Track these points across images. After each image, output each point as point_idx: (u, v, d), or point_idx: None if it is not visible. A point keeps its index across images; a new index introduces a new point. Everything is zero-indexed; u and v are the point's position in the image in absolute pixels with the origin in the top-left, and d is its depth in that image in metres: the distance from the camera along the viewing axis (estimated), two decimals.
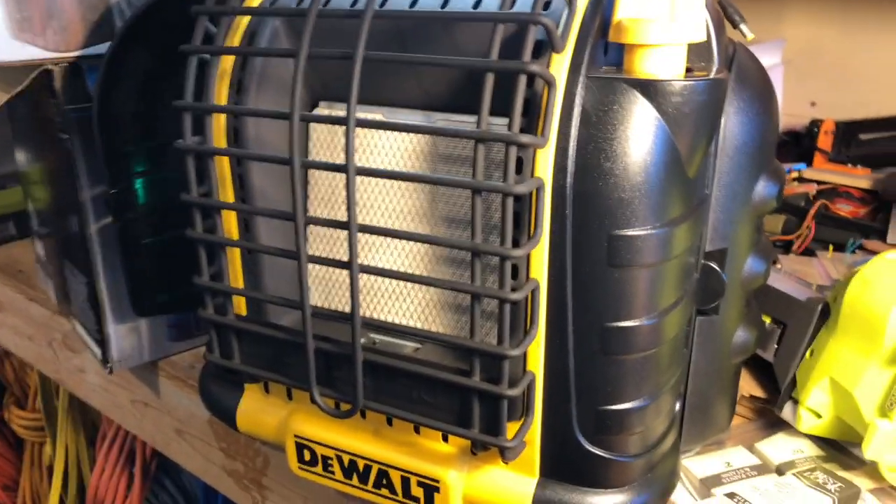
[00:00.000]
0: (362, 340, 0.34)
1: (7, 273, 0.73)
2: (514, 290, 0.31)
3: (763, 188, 0.38)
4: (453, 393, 0.34)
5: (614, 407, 0.34)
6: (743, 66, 0.37)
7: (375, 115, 0.39)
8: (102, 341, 0.53)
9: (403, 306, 0.39)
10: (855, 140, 0.78)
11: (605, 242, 0.31)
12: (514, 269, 0.32)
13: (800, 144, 0.81)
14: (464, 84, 0.36)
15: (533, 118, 0.30)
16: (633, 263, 0.32)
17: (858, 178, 0.72)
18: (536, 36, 0.30)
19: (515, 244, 0.31)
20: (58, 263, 0.59)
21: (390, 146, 0.38)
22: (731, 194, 0.37)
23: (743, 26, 0.42)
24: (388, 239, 0.39)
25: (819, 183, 0.72)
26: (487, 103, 0.29)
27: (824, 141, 0.76)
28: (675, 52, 0.31)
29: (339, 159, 0.39)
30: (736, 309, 0.40)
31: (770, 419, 0.47)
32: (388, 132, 0.38)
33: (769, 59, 0.78)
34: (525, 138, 0.29)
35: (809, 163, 0.77)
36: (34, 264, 0.69)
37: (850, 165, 0.76)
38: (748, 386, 0.49)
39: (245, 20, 0.39)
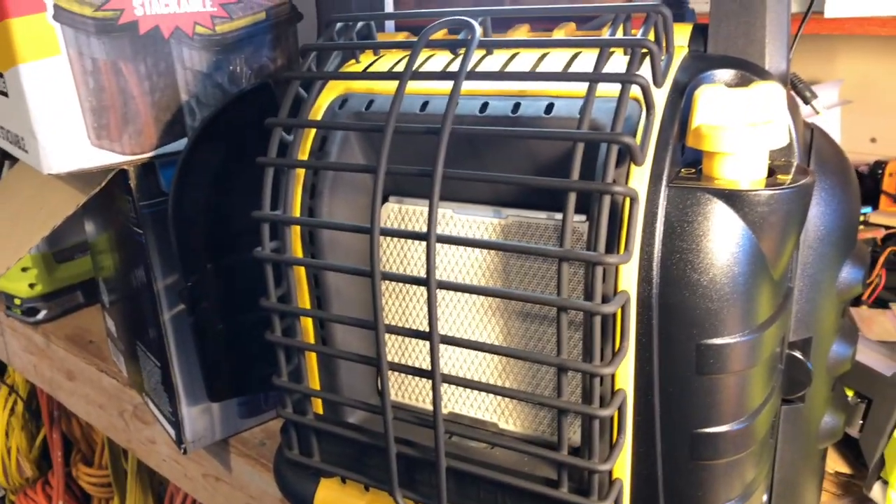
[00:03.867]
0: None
1: (78, 343, 0.75)
2: (602, 404, 0.31)
3: (847, 274, 0.37)
4: (539, 501, 0.33)
5: None
6: (821, 152, 0.36)
7: (445, 210, 0.39)
8: (177, 423, 0.54)
9: (482, 407, 0.39)
10: None
11: (693, 352, 0.31)
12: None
13: (863, 185, 0.78)
14: (529, 173, 0.36)
15: (615, 231, 0.30)
16: (723, 371, 0.31)
17: None
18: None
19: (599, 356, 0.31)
20: (129, 342, 0.61)
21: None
22: (815, 284, 0.36)
23: (815, 103, 0.41)
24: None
25: (887, 227, 0.70)
26: (570, 223, 0.29)
27: (890, 183, 0.74)
28: (757, 158, 0.30)
29: (412, 261, 0.40)
30: (822, 395, 0.39)
31: (857, 496, 0.45)
32: (462, 224, 0.38)
33: (827, 99, 0.77)
34: (611, 258, 0.29)
35: (875, 206, 0.74)
36: (105, 337, 0.71)
37: None
38: (833, 461, 0.48)
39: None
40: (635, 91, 0.31)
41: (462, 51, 0.36)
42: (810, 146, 0.36)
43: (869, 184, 0.78)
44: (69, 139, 0.43)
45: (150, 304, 0.51)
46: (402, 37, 0.43)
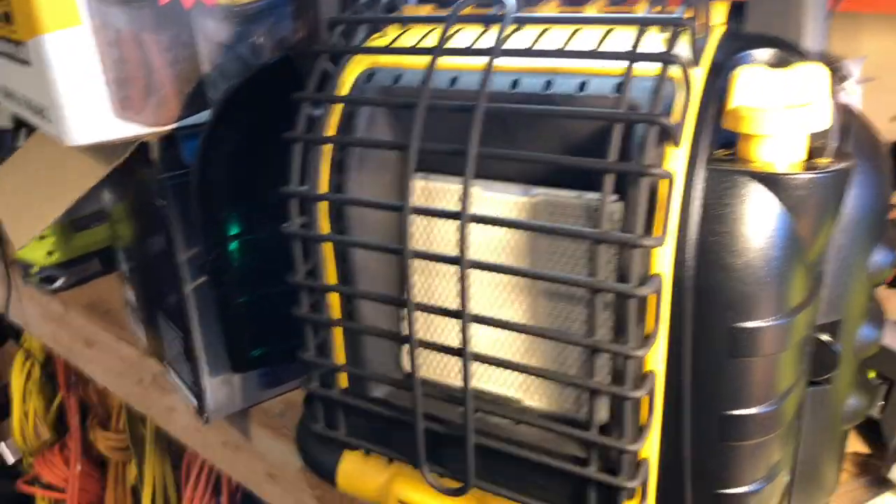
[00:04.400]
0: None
1: (96, 312, 0.75)
2: (634, 386, 0.31)
3: (879, 257, 0.37)
4: (568, 479, 0.34)
5: (731, 491, 0.34)
6: (859, 136, 0.36)
7: (472, 187, 0.39)
8: (199, 393, 0.55)
9: (505, 384, 0.39)
10: None
11: (726, 334, 0.31)
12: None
13: None
14: (561, 153, 0.35)
15: (651, 213, 0.30)
16: (755, 354, 0.31)
17: None
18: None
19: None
20: (149, 311, 0.61)
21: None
22: (847, 267, 0.36)
23: (849, 82, 0.41)
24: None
25: None
26: (609, 205, 0.29)
27: None
28: (795, 141, 0.30)
29: (439, 238, 0.39)
30: (848, 377, 0.39)
31: (876, 476, 0.46)
32: (489, 202, 0.38)
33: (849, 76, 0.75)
34: (648, 241, 0.29)
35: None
36: (124, 307, 0.71)
37: None
38: (852, 441, 0.48)
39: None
40: (673, 70, 0.30)
41: (495, 26, 0.36)
42: (848, 128, 0.35)
43: (890, 164, 0.77)
44: (92, 111, 0.42)
45: (172, 275, 0.51)
46: (429, 9, 0.42)
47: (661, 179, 0.30)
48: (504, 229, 0.37)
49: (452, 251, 0.38)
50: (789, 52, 0.33)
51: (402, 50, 0.36)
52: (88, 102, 0.42)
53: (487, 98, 0.32)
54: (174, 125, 0.46)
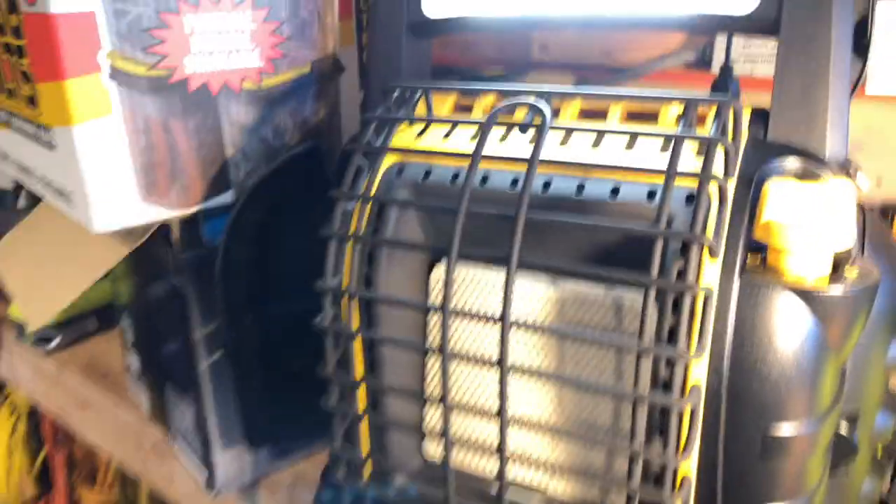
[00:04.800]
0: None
1: (93, 374, 0.74)
2: (673, 491, 0.31)
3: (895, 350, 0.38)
4: None
5: None
6: (872, 235, 0.37)
7: (497, 273, 0.40)
8: (209, 466, 0.54)
9: (532, 478, 0.40)
10: None
11: (759, 438, 0.32)
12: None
13: None
14: (591, 255, 0.36)
15: (689, 324, 0.31)
16: (788, 455, 0.32)
17: None
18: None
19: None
20: (156, 382, 0.61)
21: (519, 307, 0.39)
22: (867, 361, 0.37)
23: (861, 176, 0.42)
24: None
25: None
26: (653, 319, 0.30)
27: None
28: (824, 257, 0.31)
29: (467, 331, 0.40)
30: (865, 464, 0.40)
31: None
32: (516, 292, 0.39)
33: None
34: (691, 355, 0.29)
35: None
36: (124, 370, 0.70)
37: None
38: None
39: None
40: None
41: (533, 134, 0.37)
42: (864, 228, 0.37)
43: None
44: (119, 197, 0.43)
45: (186, 350, 0.51)
46: (453, 99, 0.43)
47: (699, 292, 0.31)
48: (536, 304, 0.38)
49: (482, 346, 0.39)
50: (813, 160, 0.34)
51: (443, 153, 0.36)
52: (115, 189, 0.42)
53: (531, 217, 0.32)
54: (198, 207, 0.46)
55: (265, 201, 0.46)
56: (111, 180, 0.42)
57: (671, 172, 0.31)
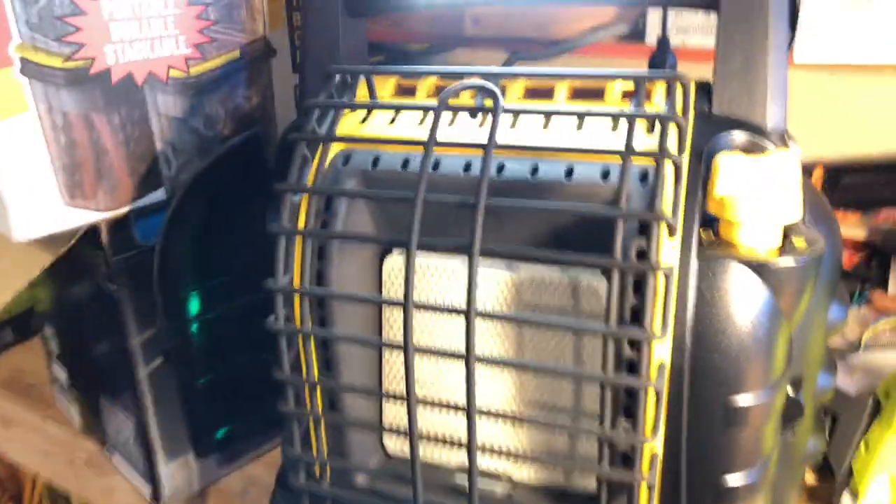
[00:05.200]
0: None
1: (15, 388, 0.69)
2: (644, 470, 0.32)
3: (835, 313, 0.40)
4: None
5: None
6: (811, 202, 0.39)
7: (453, 262, 0.39)
8: (153, 479, 0.52)
9: (495, 463, 0.39)
10: (839, 184, 0.82)
11: (720, 410, 0.33)
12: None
13: None
14: (548, 237, 0.36)
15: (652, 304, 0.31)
16: (748, 423, 0.33)
17: (852, 227, 0.75)
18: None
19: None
20: (88, 393, 0.57)
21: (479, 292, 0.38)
22: (810, 325, 0.39)
23: (792, 144, 0.44)
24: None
25: None
26: (616, 303, 0.30)
27: None
28: (776, 227, 0.32)
29: (425, 323, 0.39)
30: (808, 424, 0.42)
31: None
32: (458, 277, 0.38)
33: None
34: (657, 335, 0.30)
35: None
36: (49, 386, 0.66)
37: (837, 210, 0.79)
38: None
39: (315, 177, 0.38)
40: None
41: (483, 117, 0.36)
42: (804, 197, 0.38)
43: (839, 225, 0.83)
44: (41, 201, 0.39)
45: (122, 359, 0.48)
46: (393, 82, 0.42)
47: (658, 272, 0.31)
48: (494, 288, 0.37)
49: (441, 337, 0.39)
50: (757, 133, 0.35)
51: (395, 141, 0.35)
52: (36, 194, 0.39)
53: (472, 182, 0.32)
54: (128, 207, 0.43)
55: (202, 196, 0.43)
56: (30, 183, 0.39)
57: (628, 152, 0.30)
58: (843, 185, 0.82)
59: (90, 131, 0.40)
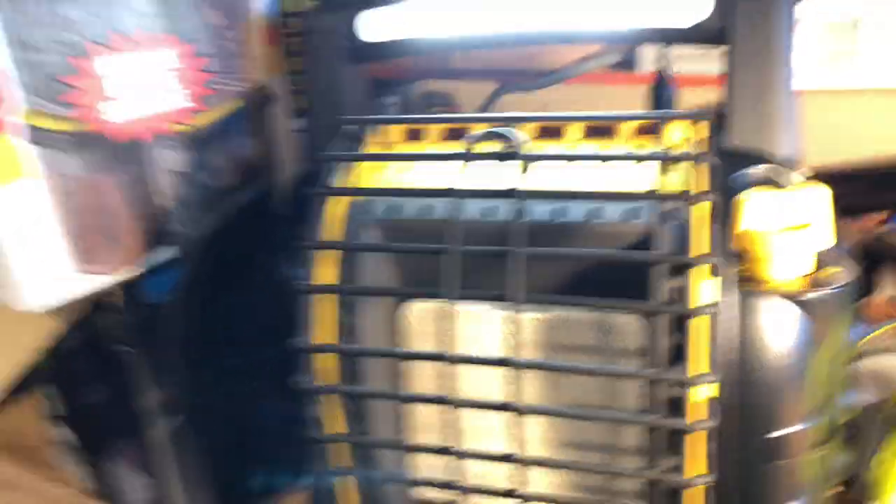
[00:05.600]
0: None
1: (13, 450, 0.67)
2: None
3: (855, 334, 0.40)
4: None
5: None
6: None
7: (481, 306, 0.38)
8: None
9: None
10: None
11: (763, 444, 0.33)
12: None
13: None
14: (578, 276, 0.36)
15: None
16: (790, 456, 0.33)
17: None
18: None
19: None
20: (94, 456, 0.56)
21: (496, 336, 0.38)
22: (838, 348, 0.39)
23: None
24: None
25: None
26: (665, 348, 0.30)
27: None
28: (805, 258, 0.32)
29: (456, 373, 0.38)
30: (836, 442, 0.42)
31: None
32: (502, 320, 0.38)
33: None
34: (705, 379, 0.30)
35: None
36: (49, 447, 0.63)
37: None
38: None
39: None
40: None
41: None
42: None
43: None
44: (48, 270, 0.38)
45: (132, 421, 0.47)
46: (403, 130, 0.42)
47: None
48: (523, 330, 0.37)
49: (474, 385, 0.38)
50: (774, 164, 0.35)
51: (423, 192, 0.35)
52: (43, 261, 0.38)
53: (498, 228, 0.32)
54: (139, 269, 0.42)
55: (213, 251, 0.42)
56: (38, 252, 0.37)
57: (659, 196, 0.31)
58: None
59: (97, 193, 0.39)
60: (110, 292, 0.43)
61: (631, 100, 0.57)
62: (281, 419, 0.39)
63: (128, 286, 0.43)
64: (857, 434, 0.50)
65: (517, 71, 0.65)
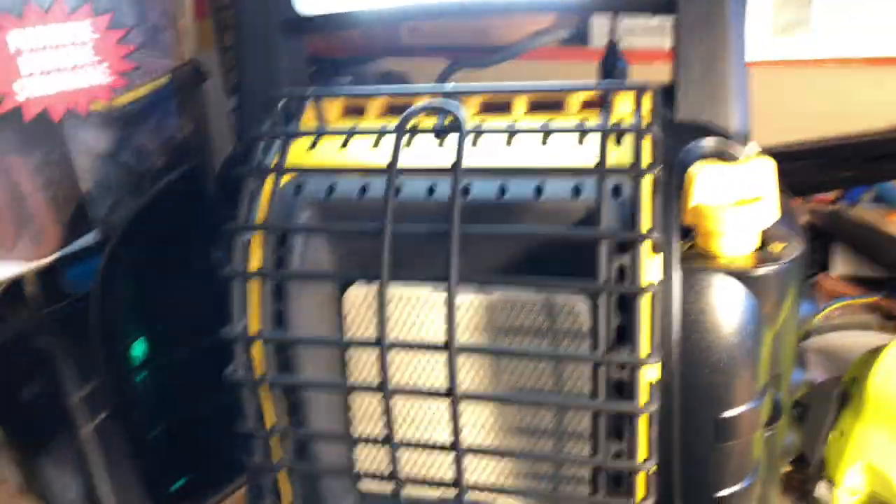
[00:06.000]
0: None
1: None
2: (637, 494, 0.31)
3: (805, 311, 0.40)
4: None
5: None
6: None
7: (424, 289, 0.37)
8: None
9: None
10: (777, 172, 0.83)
11: (712, 424, 0.32)
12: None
13: None
14: (522, 257, 0.35)
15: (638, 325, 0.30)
16: (740, 435, 0.32)
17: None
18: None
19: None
20: (27, 453, 0.52)
21: (439, 320, 0.36)
22: (785, 325, 0.38)
23: (751, 144, 0.44)
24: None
25: None
26: (605, 328, 0.28)
27: None
28: (753, 233, 0.31)
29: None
30: (786, 420, 0.42)
31: (800, 492, 0.50)
32: (435, 305, 0.36)
33: None
34: (649, 361, 0.28)
35: None
36: None
37: None
38: None
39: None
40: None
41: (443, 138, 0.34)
42: None
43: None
44: None
45: (61, 417, 0.44)
46: (340, 104, 0.39)
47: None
48: (466, 312, 0.35)
49: (416, 372, 0.37)
50: (723, 137, 0.34)
51: (356, 168, 0.33)
52: None
53: (439, 207, 0.30)
54: (54, 256, 0.39)
55: (139, 237, 0.40)
56: None
57: (603, 170, 0.29)
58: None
59: (6, 175, 0.36)
60: (24, 281, 0.40)
61: (585, 75, 0.55)
62: (215, 411, 0.37)
63: (44, 276, 0.40)
64: (807, 412, 0.50)
65: (467, 48, 0.63)
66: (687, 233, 0.32)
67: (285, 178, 0.36)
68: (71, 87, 0.38)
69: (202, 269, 0.35)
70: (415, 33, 0.63)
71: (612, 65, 0.46)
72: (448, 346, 0.29)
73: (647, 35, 0.51)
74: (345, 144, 0.37)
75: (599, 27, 0.53)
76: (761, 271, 0.30)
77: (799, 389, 0.42)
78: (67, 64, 0.38)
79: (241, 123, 0.41)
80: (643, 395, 0.30)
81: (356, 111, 0.39)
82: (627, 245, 0.30)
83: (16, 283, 0.40)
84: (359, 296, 0.38)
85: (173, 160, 0.44)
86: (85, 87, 0.39)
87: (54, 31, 0.37)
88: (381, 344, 0.29)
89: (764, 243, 0.32)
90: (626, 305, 0.29)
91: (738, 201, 0.31)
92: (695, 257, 0.31)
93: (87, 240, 0.40)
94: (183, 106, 0.44)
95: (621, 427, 0.31)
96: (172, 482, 0.47)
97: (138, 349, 0.42)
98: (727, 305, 0.30)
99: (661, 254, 0.30)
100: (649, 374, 0.30)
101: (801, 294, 0.39)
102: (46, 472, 0.51)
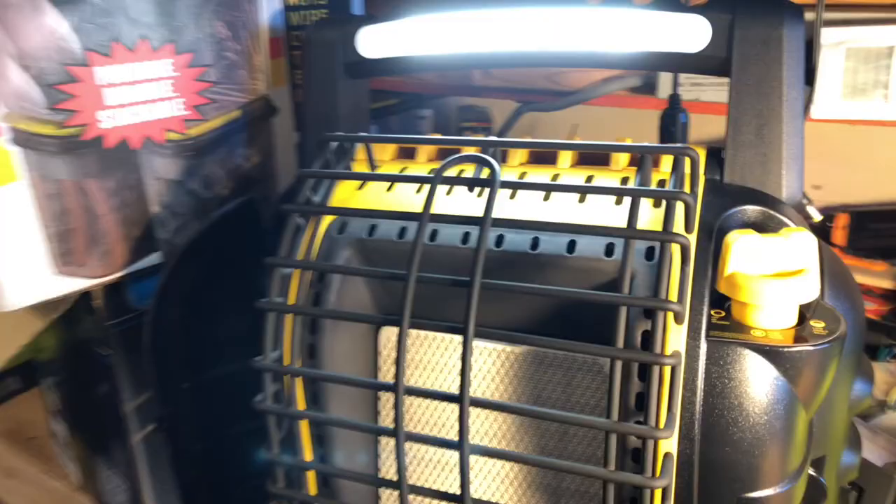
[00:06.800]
0: None
1: (16, 439, 0.68)
2: None
3: (858, 390, 0.37)
4: None
5: None
6: (833, 272, 0.36)
7: (453, 337, 0.37)
8: None
9: None
10: (866, 230, 0.79)
11: None
12: None
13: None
14: (549, 312, 0.34)
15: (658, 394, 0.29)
16: None
17: (878, 275, 0.73)
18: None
19: None
20: (86, 454, 0.56)
21: (477, 366, 0.37)
22: (831, 405, 0.36)
23: (810, 209, 0.42)
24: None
25: None
26: (617, 395, 0.28)
27: (839, 237, 0.77)
28: (790, 309, 0.30)
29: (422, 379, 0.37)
30: (832, 502, 0.39)
31: None
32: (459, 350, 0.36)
33: None
34: (662, 433, 0.28)
35: None
36: (50, 439, 0.65)
37: (864, 259, 0.76)
38: None
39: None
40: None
41: (481, 190, 0.35)
42: (822, 269, 0.36)
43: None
44: (31, 270, 0.38)
45: (116, 424, 0.47)
46: (393, 147, 0.41)
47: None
48: (495, 361, 0.36)
49: (441, 419, 0.37)
50: (772, 206, 0.33)
51: (389, 213, 0.34)
52: (27, 262, 0.38)
53: (486, 282, 0.30)
54: (121, 273, 0.42)
55: (197, 260, 0.42)
56: (21, 253, 0.38)
57: (631, 233, 0.29)
58: (870, 230, 0.80)
59: (83, 197, 0.39)
60: (93, 296, 0.43)
61: (651, 123, 0.55)
62: (249, 435, 0.38)
63: (112, 291, 0.43)
64: (864, 496, 0.46)
65: (537, 91, 0.64)
66: (723, 301, 0.31)
67: (332, 216, 0.37)
68: (150, 119, 0.41)
69: (251, 297, 0.37)
70: (486, 75, 0.64)
71: (673, 117, 0.45)
72: (460, 399, 0.29)
73: (714, 88, 0.50)
74: (390, 188, 0.38)
75: (667, 77, 0.52)
76: (792, 349, 0.29)
77: (851, 472, 0.39)
78: (148, 97, 0.41)
79: (302, 160, 0.43)
80: (657, 467, 0.29)
81: (409, 154, 0.41)
82: (652, 311, 0.29)
83: (85, 296, 0.43)
84: (394, 333, 0.39)
85: (238, 189, 0.46)
86: (163, 118, 0.42)
87: (138, 68, 0.40)
88: (396, 389, 0.30)
89: (804, 319, 0.31)
90: (646, 374, 0.29)
91: (776, 273, 0.30)
92: (725, 328, 0.30)
93: (152, 259, 0.43)
94: (252, 139, 0.47)
95: (637, 498, 0.30)
96: (212, 499, 0.48)
97: (187, 367, 0.45)
98: (754, 382, 0.29)
99: (682, 323, 0.29)
100: (666, 445, 0.29)
101: (855, 371, 0.37)
102: (101, 474, 0.54)
